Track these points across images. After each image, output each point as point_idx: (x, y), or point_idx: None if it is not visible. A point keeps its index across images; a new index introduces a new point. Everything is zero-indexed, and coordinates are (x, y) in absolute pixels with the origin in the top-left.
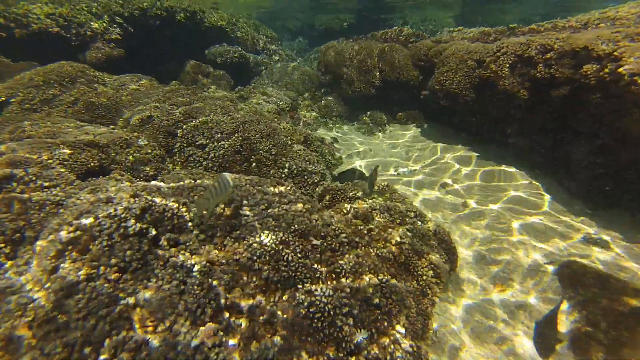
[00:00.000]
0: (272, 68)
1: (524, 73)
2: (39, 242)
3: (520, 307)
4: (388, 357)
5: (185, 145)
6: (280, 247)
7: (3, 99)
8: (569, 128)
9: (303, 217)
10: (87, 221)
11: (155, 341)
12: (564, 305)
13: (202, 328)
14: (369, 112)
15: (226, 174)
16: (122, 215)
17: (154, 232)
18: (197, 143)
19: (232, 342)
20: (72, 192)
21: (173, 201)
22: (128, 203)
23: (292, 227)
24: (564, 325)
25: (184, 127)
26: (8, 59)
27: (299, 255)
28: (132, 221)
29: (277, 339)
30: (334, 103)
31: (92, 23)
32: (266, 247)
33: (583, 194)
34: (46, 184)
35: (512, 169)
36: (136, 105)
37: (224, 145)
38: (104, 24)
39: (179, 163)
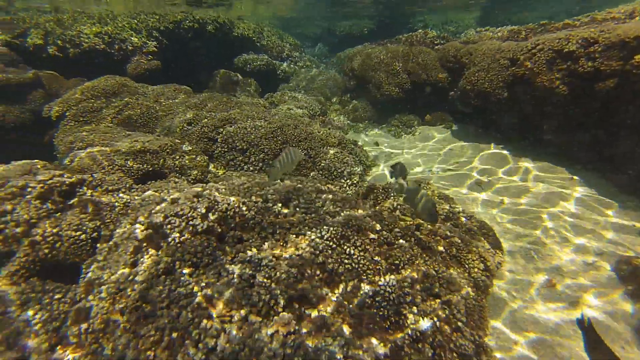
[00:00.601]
0: (299, 74)
1: (564, 68)
2: (115, 239)
3: (574, 302)
4: (452, 345)
5: (225, 150)
6: (341, 241)
7: (59, 113)
8: (613, 121)
9: (357, 214)
10: (157, 220)
11: (233, 330)
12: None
13: (275, 317)
14: (397, 115)
15: (294, 148)
16: (189, 214)
17: (219, 230)
18: (237, 148)
19: (304, 330)
20: (136, 195)
21: (234, 200)
22: (192, 203)
23: (350, 223)
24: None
25: (223, 132)
26: (62, 76)
27: (359, 248)
28: (199, 220)
29: (345, 327)
30: (363, 107)
31: (132, 38)
32: (327, 242)
33: (634, 187)
34: (110, 187)
35: (550, 165)
36: (174, 113)
37: (264, 150)
38: (143, 38)
39: (222, 167)
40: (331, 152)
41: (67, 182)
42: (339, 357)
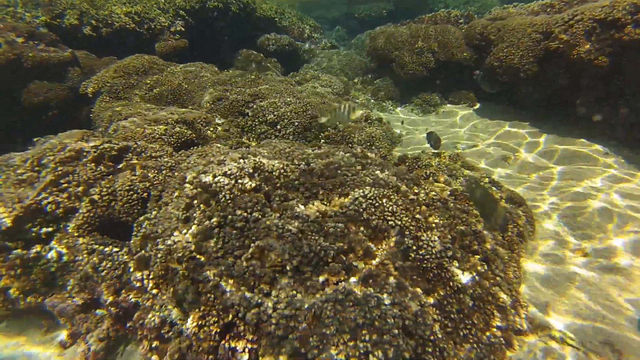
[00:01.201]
0: (321, 55)
1: (605, 38)
2: (164, 199)
3: (610, 270)
4: (491, 298)
5: (256, 123)
6: (383, 200)
7: (95, 90)
8: None
9: (396, 177)
10: (207, 179)
11: (284, 280)
12: None
13: (326, 267)
14: (420, 94)
15: (354, 104)
16: (237, 174)
17: (266, 189)
18: (268, 121)
19: (353, 279)
20: (180, 159)
21: (278, 163)
22: (239, 164)
23: (390, 184)
24: None
25: (254, 106)
26: (94, 56)
27: (401, 207)
28: (247, 179)
29: (391, 278)
30: (386, 86)
31: (160, 18)
32: (370, 200)
33: None
34: (154, 154)
35: (582, 140)
36: (204, 90)
37: (294, 123)
38: (170, 17)
39: (254, 139)
40: (359, 126)
41: (115, 148)
42: (387, 302)
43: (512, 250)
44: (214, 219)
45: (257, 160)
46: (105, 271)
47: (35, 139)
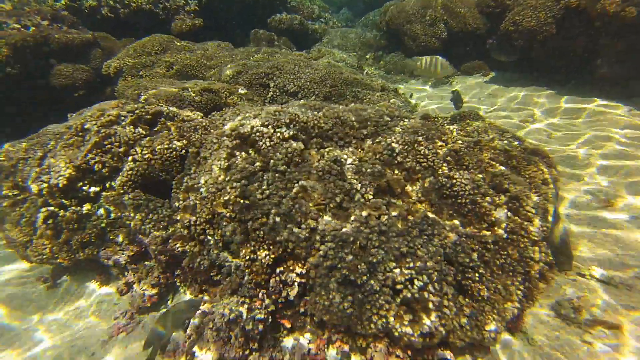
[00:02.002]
0: (330, 34)
1: None
2: (202, 154)
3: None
4: (523, 232)
5: (278, 94)
6: (414, 144)
7: (117, 69)
8: None
9: (423, 127)
10: (245, 129)
11: (327, 216)
12: None
13: (367, 203)
14: None
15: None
16: (275, 124)
17: (303, 137)
18: (289, 91)
19: (394, 213)
20: (213, 119)
21: (311, 115)
22: (275, 116)
23: (419, 132)
24: None
25: (275, 78)
26: (113, 37)
27: (432, 151)
28: (284, 128)
29: (430, 213)
30: (397, 60)
31: None
32: (402, 145)
33: None
34: (186, 117)
35: (604, 101)
36: (222, 66)
37: (314, 92)
38: None
39: None
40: (377, 94)
41: (150, 111)
42: (428, 233)
43: (539, 195)
44: (257, 164)
45: (292, 112)
46: (151, 224)
47: (69, 115)
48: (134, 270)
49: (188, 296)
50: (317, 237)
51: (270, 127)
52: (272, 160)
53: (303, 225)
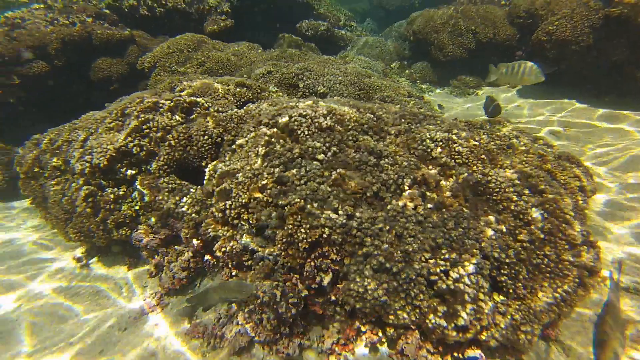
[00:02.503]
0: (356, 42)
1: None
2: (238, 142)
3: None
4: (561, 234)
5: (307, 94)
6: (449, 142)
7: (150, 64)
8: None
9: (456, 126)
10: (283, 119)
11: (364, 205)
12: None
13: (404, 193)
14: (459, 76)
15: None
16: (312, 114)
17: (340, 129)
18: (318, 92)
19: (430, 205)
20: (249, 109)
21: (347, 109)
22: (312, 108)
23: (452, 130)
24: None
25: (305, 79)
26: (148, 35)
27: (466, 149)
28: (322, 118)
29: (464, 208)
30: (424, 69)
31: None
32: (437, 142)
33: None
34: (220, 108)
35: None
36: (252, 64)
37: (343, 94)
38: None
39: None
40: (403, 99)
41: (187, 100)
42: (464, 224)
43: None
44: (296, 151)
45: (329, 105)
46: (185, 207)
47: (106, 104)
48: (164, 253)
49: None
50: (354, 224)
51: (307, 117)
52: (310, 148)
53: (340, 212)
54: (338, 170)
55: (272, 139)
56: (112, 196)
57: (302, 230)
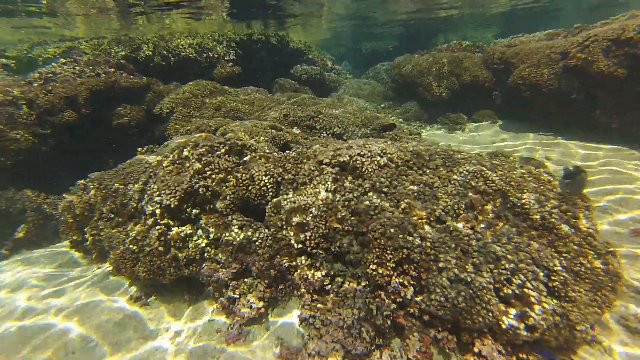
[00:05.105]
0: (345, 84)
1: (621, 54)
2: (299, 180)
3: None
4: (587, 246)
5: (324, 134)
6: (481, 172)
7: (169, 110)
8: None
9: (482, 159)
10: (344, 159)
11: (427, 226)
12: None
13: (461, 216)
14: (446, 114)
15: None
16: (369, 154)
17: (392, 165)
18: (335, 132)
19: (482, 225)
20: (300, 151)
21: (394, 148)
22: (365, 148)
23: (481, 162)
24: None
25: (320, 121)
26: (161, 82)
27: (497, 177)
28: (378, 157)
29: (509, 226)
30: (412, 108)
31: (217, 48)
32: (472, 173)
33: None
34: (267, 150)
35: (613, 147)
36: (265, 108)
37: (357, 134)
38: (224, 48)
39: None
40: (409, 137)
41: (239, 143)
42: (515, 241)
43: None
44: (366, 185)
45: (380, 145)
46: (258, 241)
47: (139, 149)
48: (234, 287)
49: (295, 307)
50: (428, 244)
51: (366, 156)
52: (377, 183)
53: (415, 234)
54: (406, 201)
55: (338, 176)
56: (182, 234)
57: (388, 252)
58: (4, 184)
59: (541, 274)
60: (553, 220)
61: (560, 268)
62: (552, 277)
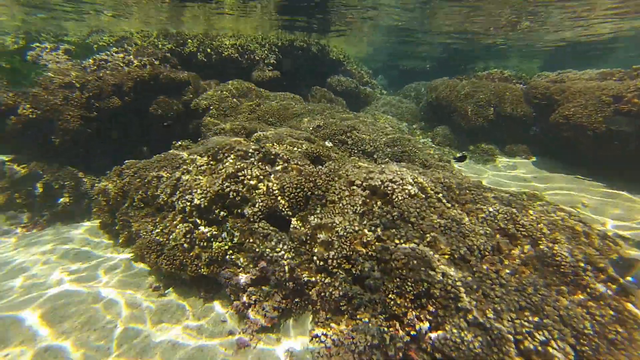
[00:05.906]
0: (378, 100)
1: None
2: (328, 198)
3: None
4: (627, 313)
5: (355, 151)
6: (512, 214)
7: (205, 106)
8: None
9: (514, 199)
10: (375, 183)
11: (452, 265)
12: None
13: (485, 258)
14: (478, 143)
15: None
16: (400, 181)
17: (422, 195)
18: (365, 150)
19: (507, 270)
20: (333, 168)
21: (426, 179)
22: (399, 174)
23: (511, 204)
24: None
25: (352, 137)
26: (200, 78)
27: (528, 221)
28: (410, 186)
29: (535, 277)
30: (445, 133)
31: (258, 50)
32: (502, 214)
33: None
34: (299, 162)
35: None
36: (296, 116)
37: (387, 154)
38: (266, 51)
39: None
40: (440, 164)
41: (273, 152)
42: (541, 293)
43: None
44: (395, 213)
45: (412, 174)
46: (282, 252)
47: (173, 142)
48: (252, 293)
49: (308, 322)
50: (449, 280)
51: (397, 183)
52: (405, 213)
53: (437, 270)
54: (432, 234)
55: (367, 200)
56: (208, 234)
57: (409, 283)
58: (50, 159)
59: (569, 334)
60: (587, 277)
61: (591, 332)
62: (582, 341)
